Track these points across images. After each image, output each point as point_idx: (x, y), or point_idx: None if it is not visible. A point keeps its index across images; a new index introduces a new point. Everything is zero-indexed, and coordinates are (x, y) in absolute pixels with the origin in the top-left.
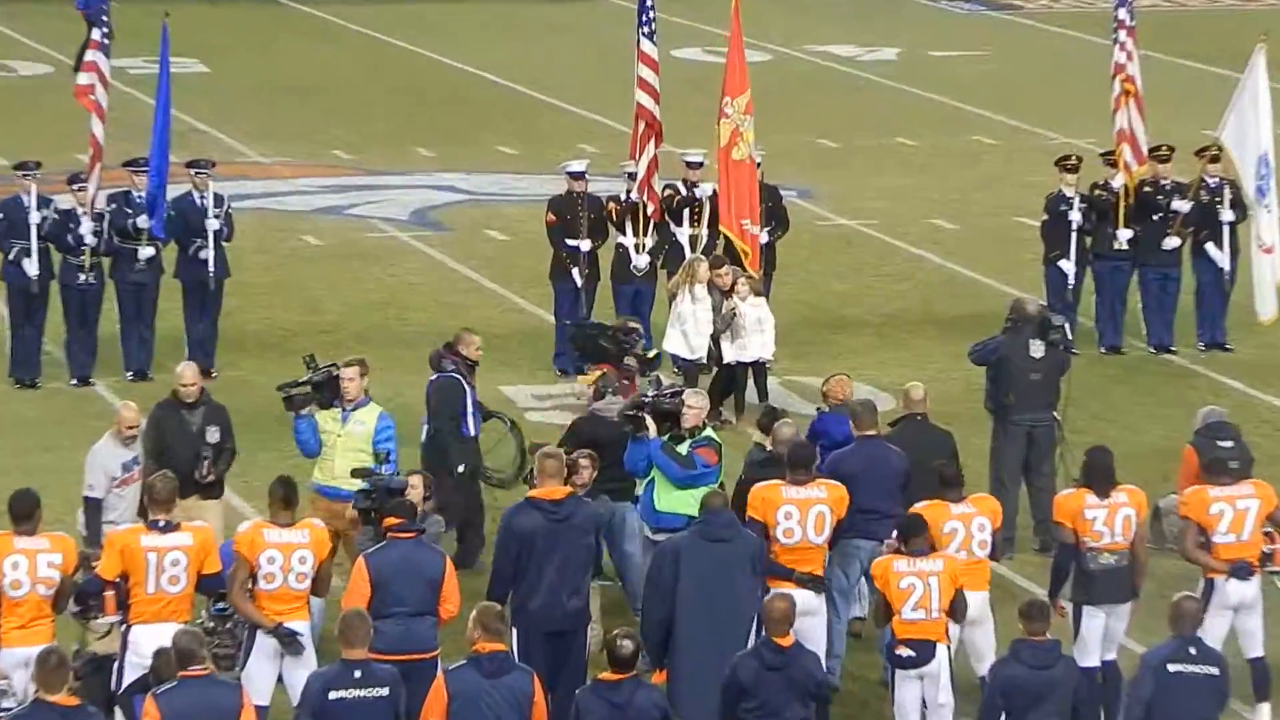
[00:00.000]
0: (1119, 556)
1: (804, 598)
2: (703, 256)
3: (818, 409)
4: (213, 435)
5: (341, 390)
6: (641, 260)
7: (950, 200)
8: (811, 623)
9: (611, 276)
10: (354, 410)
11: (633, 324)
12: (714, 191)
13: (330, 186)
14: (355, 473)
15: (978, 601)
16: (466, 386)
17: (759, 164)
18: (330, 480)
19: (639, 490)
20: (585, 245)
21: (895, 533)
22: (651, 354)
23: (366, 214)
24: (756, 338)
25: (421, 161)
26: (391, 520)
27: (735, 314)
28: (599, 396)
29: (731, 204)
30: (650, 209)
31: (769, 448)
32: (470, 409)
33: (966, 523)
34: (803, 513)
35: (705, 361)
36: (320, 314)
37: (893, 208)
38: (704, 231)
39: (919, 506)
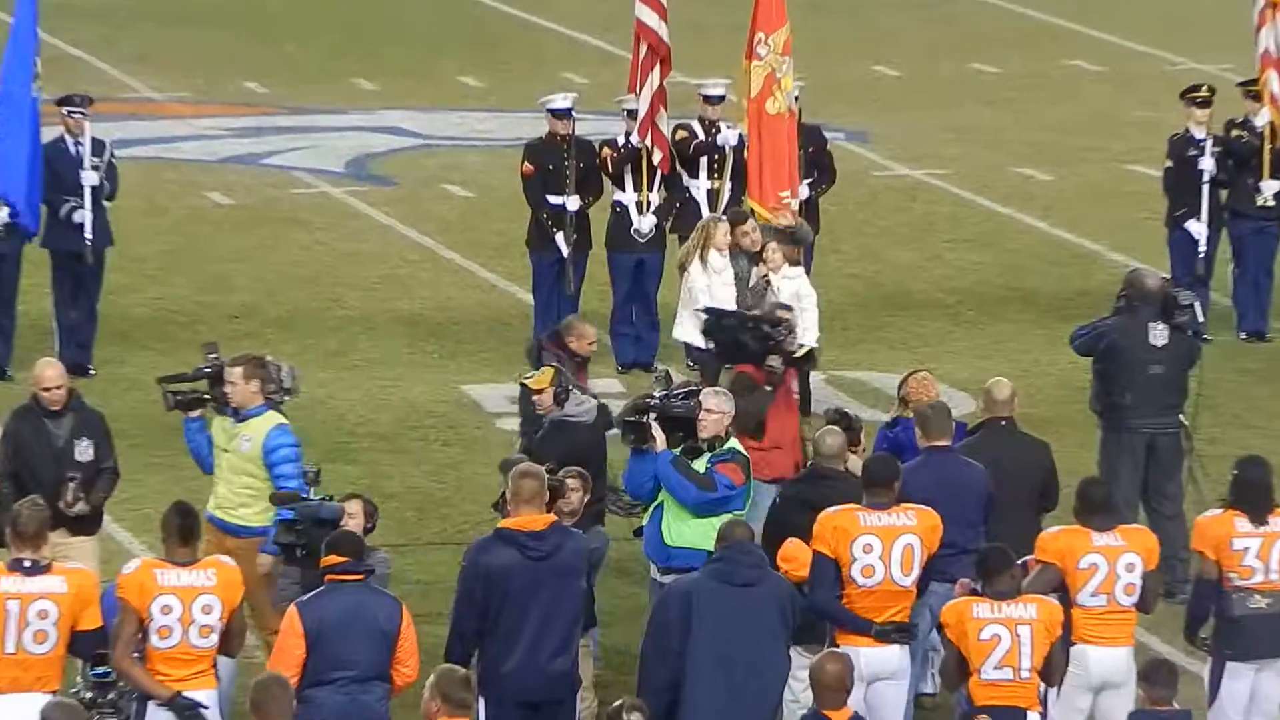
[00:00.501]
0: (1275, 599)
1: (881, 658)
2: (720, 216)
3: (893, 417)
4: (84, 451)
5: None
6: (645, 223)
7: (1044, 143)
8: (890, 692)
9: (606, 244)
10: (242, 421)
11: (783, 312)
12: (740, 138)
13: (242, 129)
14: (276, 499)
15: (1119, 661)
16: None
17: (797, 97)
18: (215, 508)
19: (644, 520)
20: (572, 204)
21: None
22: (803, 350)
23: (289, 164)
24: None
25: (360, 96)
26: (332, 559)
27: (767, 288)
28: (560, 401)
29: (764, 172)
30: (656, 157)
31: (816, 463)
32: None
33: (1111, 559)
34: (886, 545)
35: None
36: (229, 293)
37: (970, 154)
38: (726, 186)
39: (1049, 533)
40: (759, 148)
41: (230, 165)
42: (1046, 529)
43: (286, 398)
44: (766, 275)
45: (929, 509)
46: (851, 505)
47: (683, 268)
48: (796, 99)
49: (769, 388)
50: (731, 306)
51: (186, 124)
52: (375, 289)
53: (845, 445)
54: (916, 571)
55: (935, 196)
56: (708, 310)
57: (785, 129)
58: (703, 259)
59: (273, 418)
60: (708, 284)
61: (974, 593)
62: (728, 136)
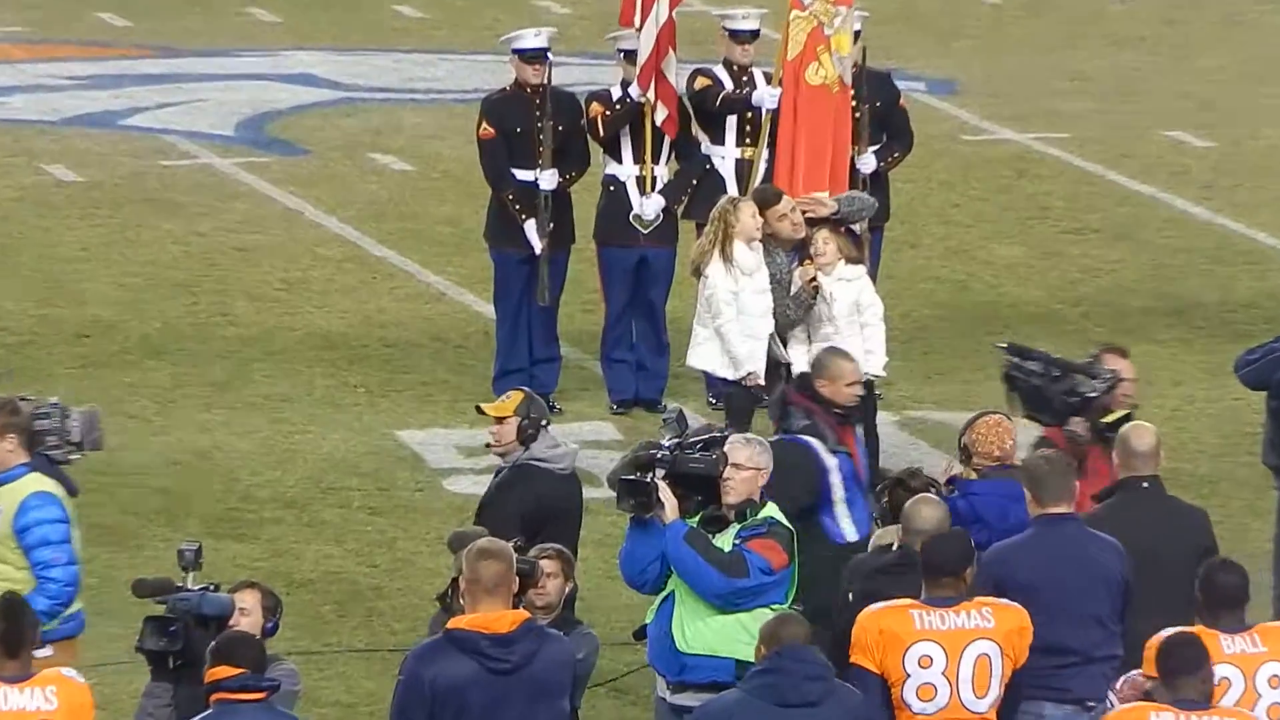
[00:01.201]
0: None
1: None
2: (739, 198)
3: (951, 476)
4: None
5: None
6: (649, 206)
7: (1201, 97)
8: None
9: (596, 236)
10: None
11: (1113, 354)
12: (779, 99)
13: (94, 78)
14: (140, 588)
15: None
16: (826, 457)
17: (857, 33)
18: None
19: (648, 616)
20: (548, 180)
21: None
22: (1117, 415)
23: (159, 126)
24: (851, 337)
25: (256, 32)
26: (220, 671)
27: (816, 292)
28: (526, 439)
29: (797, 161)
30: (663, 115)
31: (897, 542)
32: (840, 492)
33: (1248, 670)
34: (952, 656)
35: (763, 386)
36: (77, 305)
37: (1099, 111)
38: (763, 157)
39: (1164, 636)
40: (792, 128)
41: (78, 128)
42: (1168, 630)
43: (77, 455)
44: (815, 277)
45: (1012, 605)
46: (904, 601)
47: (698, 269)
48: (856, 66)
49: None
50: (762, 320)
51: (17, 70)
52: (278, 298)
53: (945, 516)
54: (995, 692)
55: (1050, 169)
56: (1010, 346)
57: (830, 107)
58: (725, 255)
59: (32, 483)
60: (734, 290)
61: (1146, 696)
62: (766, 93)
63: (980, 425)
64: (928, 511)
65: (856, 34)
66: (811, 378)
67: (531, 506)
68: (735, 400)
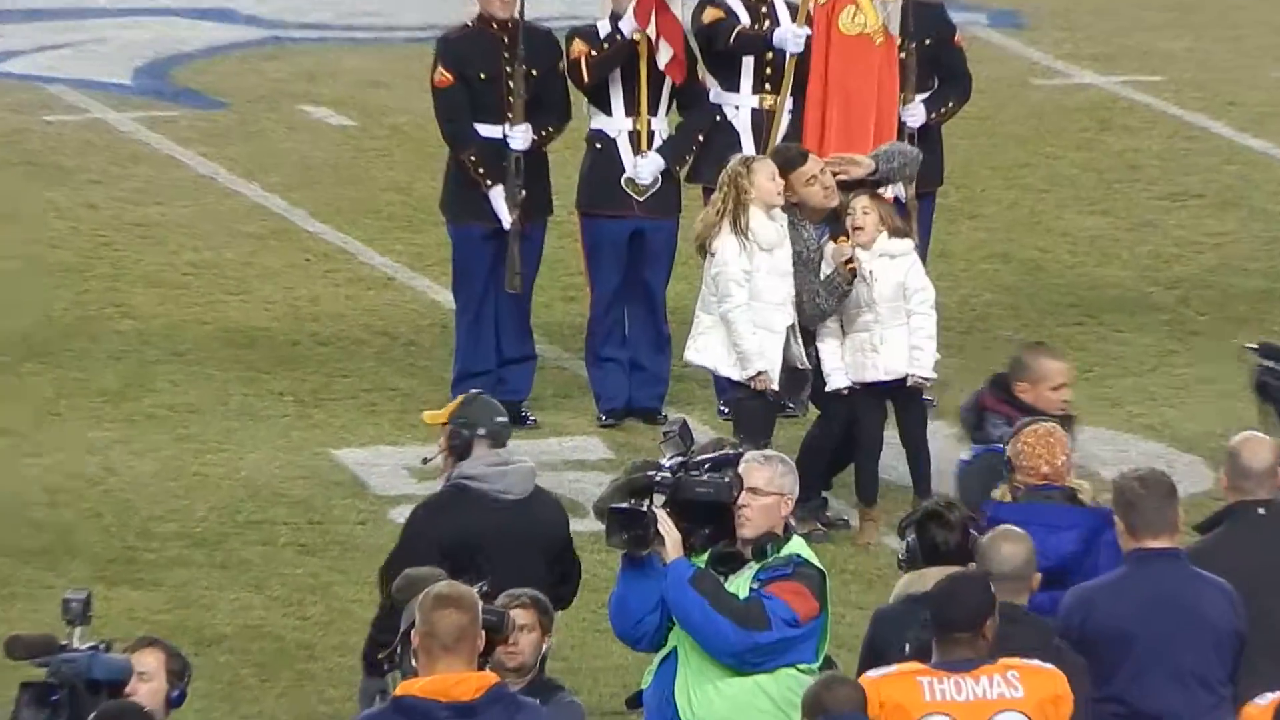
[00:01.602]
0: None
1: None
2: (755, 157)
3: (991, 496)
4: None
5: None
6: (646, 167)
7: None
8: None
9: (580, 204)
10: None
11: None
12: (806, 39)
13: None
14: (14, 647)
15: None
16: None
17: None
18: None
19: (645, 679)
20: (519, 137)
21: None
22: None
23: (40, 73)
24: (895, 329)
25: None
26: None
27: (853, 276)
28: (460, 451)
29: (832, 117)
30: (665, 56)
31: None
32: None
33: None
34: None
35: (783, 391)
36: None
37: (1198, 50)
38: (786, 107)
39: (1259, 707)
40: (823, 86)
41: None
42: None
43: None
44: (852, 258)
45: (1045, 668)
46: (911, 666)
47: (703, 245)
48: (906, 23)
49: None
50: (781, 310)
51: None
52: (186, 285)
53: (1031, 553)
54: None
55: (1140, 120)
56: (1262, 347)
57: (871, 63)
58: (737, 227)
59: None
60: (747, 270)
61: None
62: (790, 33)
63: (1027, 435)
64: (1010, 549)
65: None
66: (1011, 379)
67: (453, 539)
68: (748, 407)
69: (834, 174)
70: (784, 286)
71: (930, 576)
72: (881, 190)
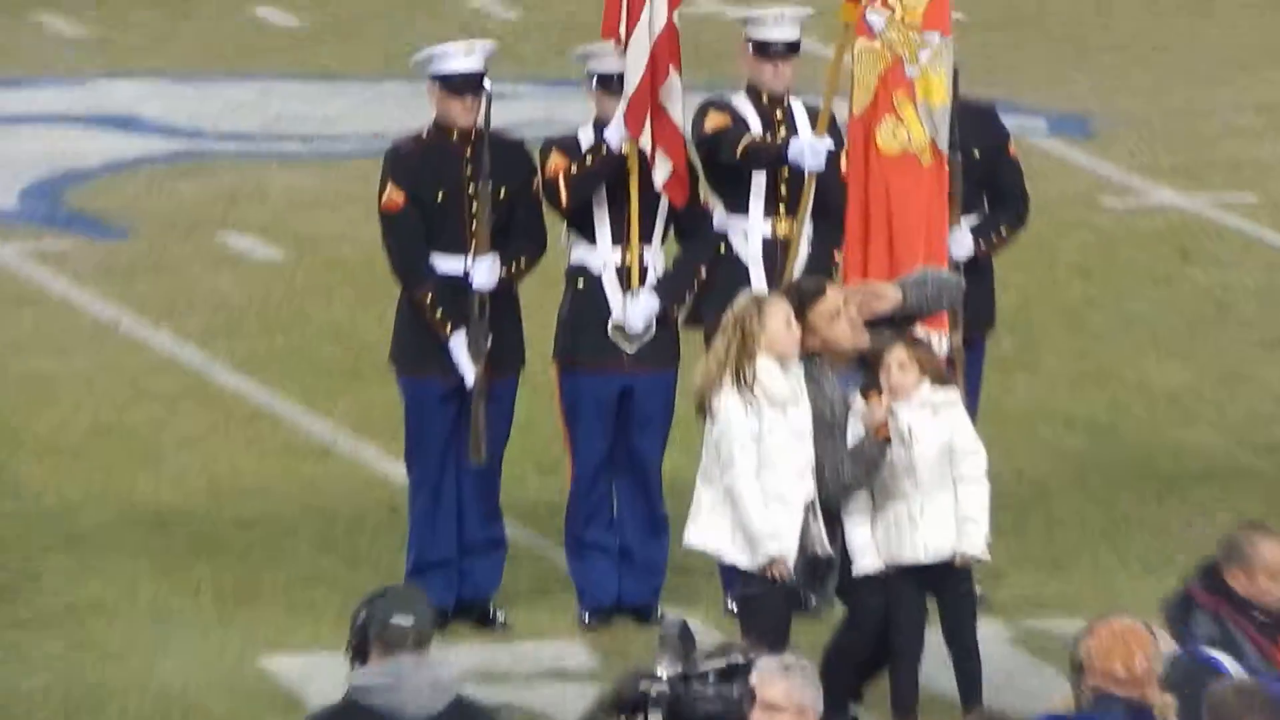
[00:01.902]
0: None
1: None
2: (765, 295)
3: (1084, 698)
4: None
5: None
6: (638, 310)
7: None
8: None
9: (557, 356)
10: None
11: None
12: (834, 154)
13: None
14: None
15: None
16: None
17: (954, 73)
18: None
19: None
20: (485, 272)
21: None
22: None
23: None
24: (939, 498)
25: (54, 52)
26: None
27: (888, 445)
28: (358, 660)
29: (873, 260)
30: (662, 173)
31: None
32: None
33: None
34: None
35: (802, 583)
36: None
37: None
38: (805, 233)
39: None
40: (862, 219)
41: None
42: None
43: None
44: (885, 413)
45: None
46: None
47: (703, 405)
48: (952, 131)
49: None
50: (799, 484)
51: None
52: (83, 454)
53: None
54: None
55: (1231, 249)
56: None
57: (919, 185)
58: (741, 380)
59: None
60: (755, 432)
61: None
62: (808, 145)
63: (1102, 632)
64: None
65: (955, 74)
66: (1222, 566)
67: None
68: (760, 604)
69: (858, 309)
70: (802, 452)
71: None
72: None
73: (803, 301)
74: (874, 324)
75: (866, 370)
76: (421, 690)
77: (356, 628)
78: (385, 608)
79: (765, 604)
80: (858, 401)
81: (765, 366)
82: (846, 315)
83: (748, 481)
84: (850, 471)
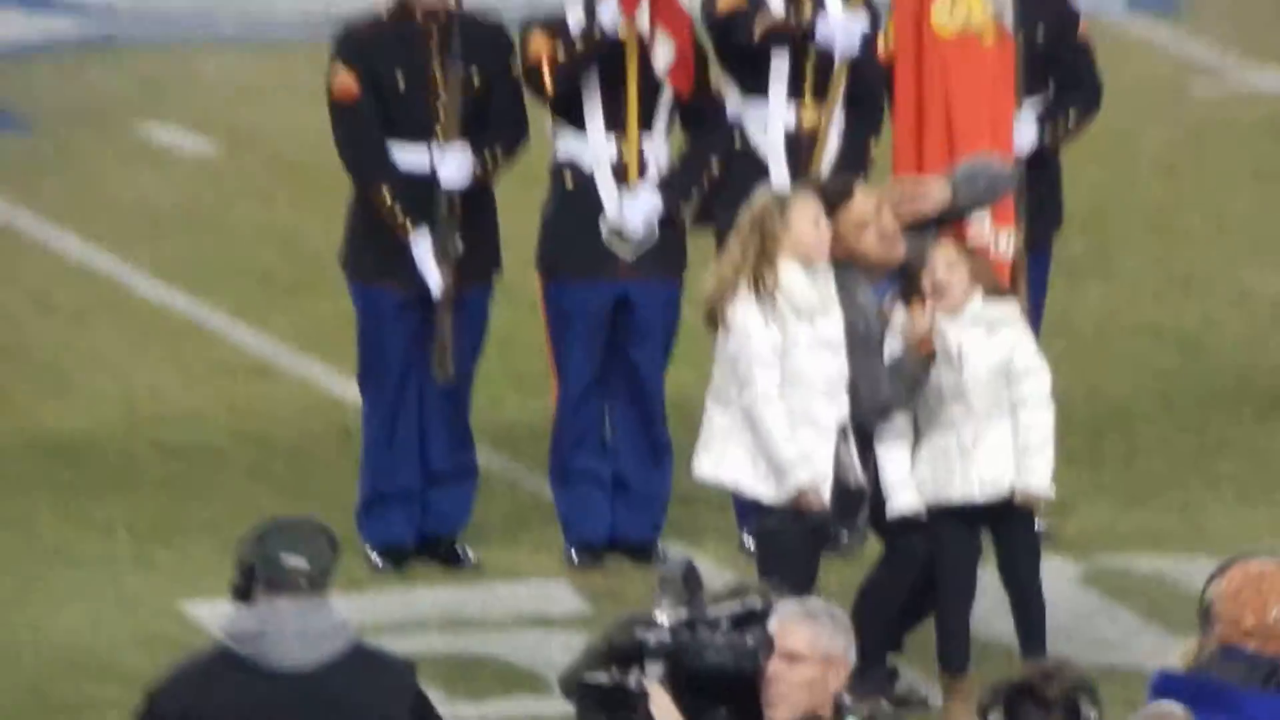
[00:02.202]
0: None
1: None
2: (790, 192)
3: (1206, 651)
4: None
5: None
6: (636, 209)
7: None
8: None
9: (540, 263)
10: None
11: None
12: (869, 38)
13: None
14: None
15: None
16: None
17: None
18: None
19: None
20: (454, 165)
21: None
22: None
23: None
24: (995, 427)
25: None
26: None
27: (933, 358)
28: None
29: (928, 155)
30: (666, 57)
31: None
32: None
33: None
34: None
35: (832, 516)
36: None
37: None
38: (836, 120)
39: None
40: (915, 107)
41: None
42: None
43: None
44: (930, 336)
45: None
46: None
47: (715, 315)
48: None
49: None
50: (829, 401)
51: None
52: None
53: None
54: None
55: None
56: None
57: (980, 69)
58: (762, 286)
59: None
60: (778, 346)
61: None
62: (839, 25)
63: (1235, 574)
64: None
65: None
66: None
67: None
68: (783, 540)
69: (897, 212)
70: (833, 366)
71: None
72: (969, 230)
73: (830, 200)
74: (919, 227)
75: (906, 279)
76: (299, 638)
77: (242, 566)
78: (274, 544)
79: (789, 540)
80: (898, 313)
81: (789, 271)
82: (877, 226)
83: (770, 402)
84: (889, 390)
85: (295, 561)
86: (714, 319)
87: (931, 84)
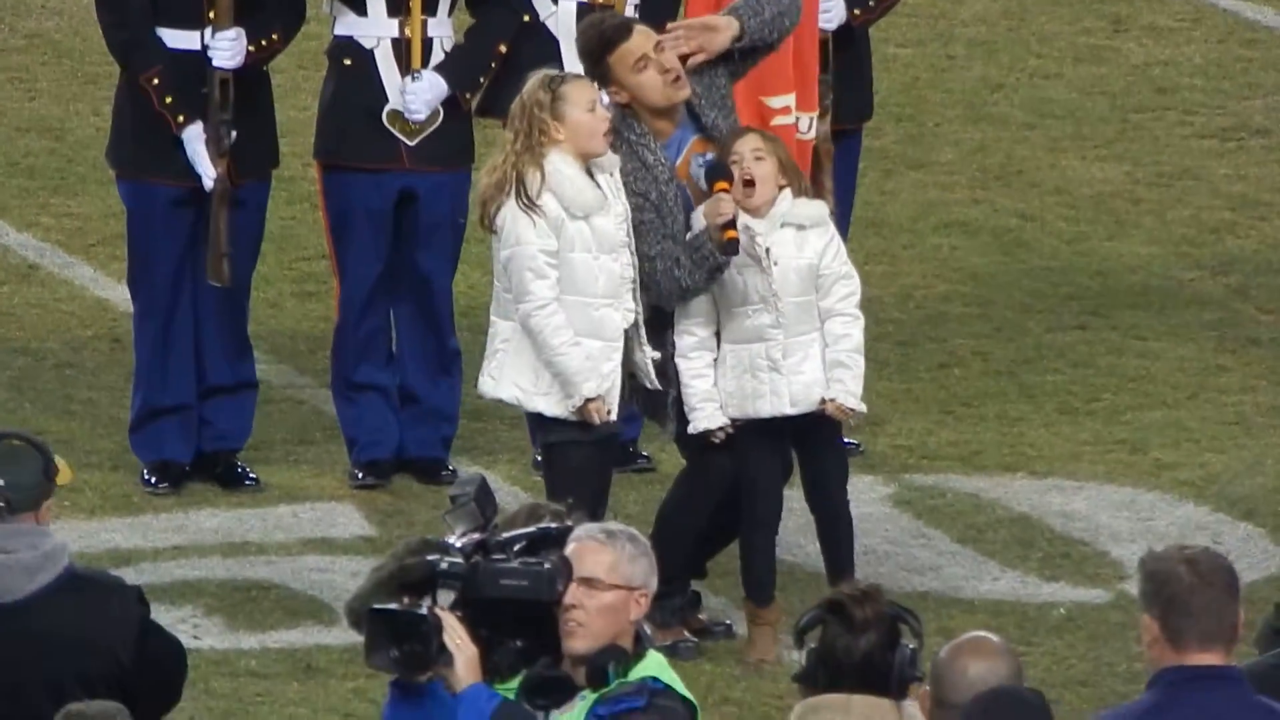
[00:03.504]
0: None
1: None
2: (564, 74)
3: None
4: None
5: None
6: (420, 93)
7: None
8: None
9: (318, 153)
10: None
11: None
12: None
13: None
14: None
15: None
16: None
17: None
18: None
19: None
20: (227, 49)
21: None
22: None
23: None
24: (803, 338)
25: None
26: None
27: (734, 246)
28: None
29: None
30: None
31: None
32: None
33: None
34: None
35: (645, 409)
36: None
37: None
38: (629, 3)
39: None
40: None
41: None
42: None
43: None
44: (735, 215)
45: None
46: None
47: (486, 217)
48: None
49: None
50: (617, 300)
51: None
52: None
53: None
54: None
55: (1176, 13)
56: None
57: None
58: (524, 185)
59: None
60: (552, 252)
61: None
62: None
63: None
64: (977, 668)
65: None
66: None
67: None
68: (570, 453)
69: (682, 53)
70: (615, 268)
71: (827, 709)
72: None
73: (603, 44)
74: (714, 64)
75: (715, 155)
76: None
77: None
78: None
79: (577, 454)
80: (704, 187)
81: (563, 166)
82: (656, 62)
83: (548, 313)
84: (688, 272)
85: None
86: (486, 222)
87: None
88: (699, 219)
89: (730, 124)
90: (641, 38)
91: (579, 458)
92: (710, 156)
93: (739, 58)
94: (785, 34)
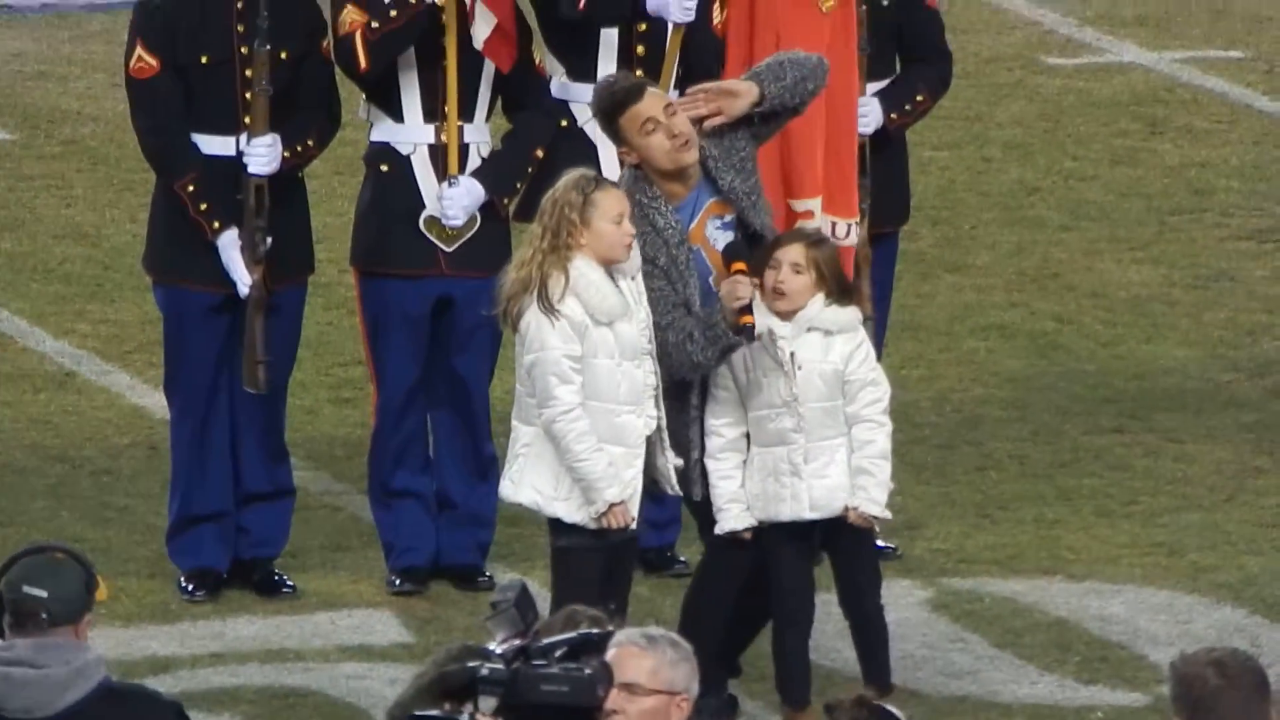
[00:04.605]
0: None
1: None
2: (597, 176)
3: None
4: None
5: None
6: (457, 199)
7: None
8: None
9: (355, 259)
10: None
11: None
12: (700, 5)
13: None
14: None
15: None
16: None
17: None
18: None
19: None
20: (262, 155)
21: None
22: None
23: None
24: (828, 443)
25: None
26: None
27: (750, 331)
28: None
29: (793, 160)
30: (485, 28)
31: None
32: None
33: None
34: None
35: (633, 531)
36: None
37: None
38: (667, 93)
39: None
40: (747, 65)
41: None
42: None
43: None
44: (750, 305)
45: None
46: None
47: (509, 315)
48: None
49: None
50: (639, 407)
51: None
52: None
53: None
54: None
55: (1211, 119)
56: None
57: (818, 33)
58: (547, 289)
59: None
60: (576, 357)
61: None
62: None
63: None
64: None
65: None
66: None
67: None
68: (578, 560)
69: (700, 114)
70: (638, 374)
71: None
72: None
73: (614, 105)
74: (734, 126)
75: (739, 238)
76: (36, 683)
77: None
78: (20, 572)
79: (586, 559)
80: (719, 279)
81: (587, 272)
82: (665, 126)
83: (572, 418)
84: (701, 349)
85: (37, 592)
86: (508, 319)
87: (763, 50)
88: (728, 311)
89: (749, 187)
90: (652, 100)
91: (589, 564)
92: (729, 219)
93: (759, 121)
94: (809, 98)
